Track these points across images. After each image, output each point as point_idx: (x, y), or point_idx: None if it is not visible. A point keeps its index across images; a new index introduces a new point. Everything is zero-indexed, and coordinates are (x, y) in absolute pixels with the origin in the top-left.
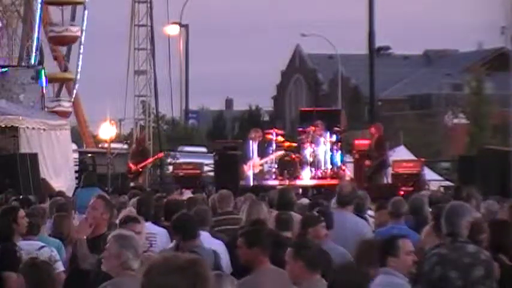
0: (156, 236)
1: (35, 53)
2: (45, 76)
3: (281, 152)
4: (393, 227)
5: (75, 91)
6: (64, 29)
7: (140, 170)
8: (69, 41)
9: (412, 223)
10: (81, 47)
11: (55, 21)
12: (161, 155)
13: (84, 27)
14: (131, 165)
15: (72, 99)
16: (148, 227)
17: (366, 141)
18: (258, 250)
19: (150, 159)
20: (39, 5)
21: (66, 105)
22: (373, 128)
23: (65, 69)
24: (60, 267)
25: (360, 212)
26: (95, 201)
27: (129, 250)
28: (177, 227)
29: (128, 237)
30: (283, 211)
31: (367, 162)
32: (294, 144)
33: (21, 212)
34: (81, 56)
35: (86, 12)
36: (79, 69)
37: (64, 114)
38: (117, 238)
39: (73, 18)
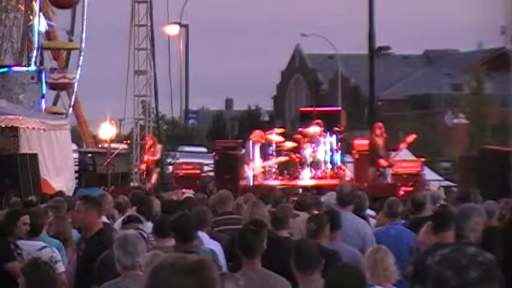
0: None
1: (35, 53)
2: (46, 83)
3: (285, 158)
4: (391, 227)
5: (73, 96)
6: (61, 76)
7: (150, 164)
8: (66, 88)
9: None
10: (81, 54)
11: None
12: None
13: (78, 74)
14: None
15: (72, 102)
16: (149, 226)
17: (366, 141)
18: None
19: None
20: (38, 6)
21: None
22: (379, 130)
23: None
24: (61, 267)
25: (359, 211)
26: (77, 205)
27: (131, 250)
28: (175, 228)
29: (129, 238)
30: (279, 210)
31: (382, 162)
32: (294, 145)
33: (25, 218)
34: (81, 61)
35: (81, 58)
36: (78, 73)
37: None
38: (118, 240)
39: (67, 64)
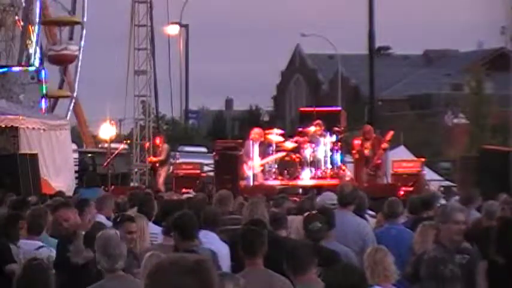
0: (157, 236)
1: (35, 53)
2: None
3: (282, 154)
4: (391, 227)
5: (75, 90)
6: (63, 47)
7: (155, 162)
8: (67, 60)
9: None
10: (79, 64)
11: (54, 40)
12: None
13: (82, 46)
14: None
15: (75, 94)
16: (150, 226)
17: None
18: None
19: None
20: (38, 5)
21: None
22: (367, 133)
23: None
24: None
25: (359, 211)
26: (62, 213)
27: (111, 252)
28: (177, 226)
29: (110, 240)
30: (277, 210)
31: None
32: (294, 145)
33: (20, 224)
34: (78, 75)
35: (84, 31)
36: (68, 117)
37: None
38: (99, 241)
39: (71, 38)
